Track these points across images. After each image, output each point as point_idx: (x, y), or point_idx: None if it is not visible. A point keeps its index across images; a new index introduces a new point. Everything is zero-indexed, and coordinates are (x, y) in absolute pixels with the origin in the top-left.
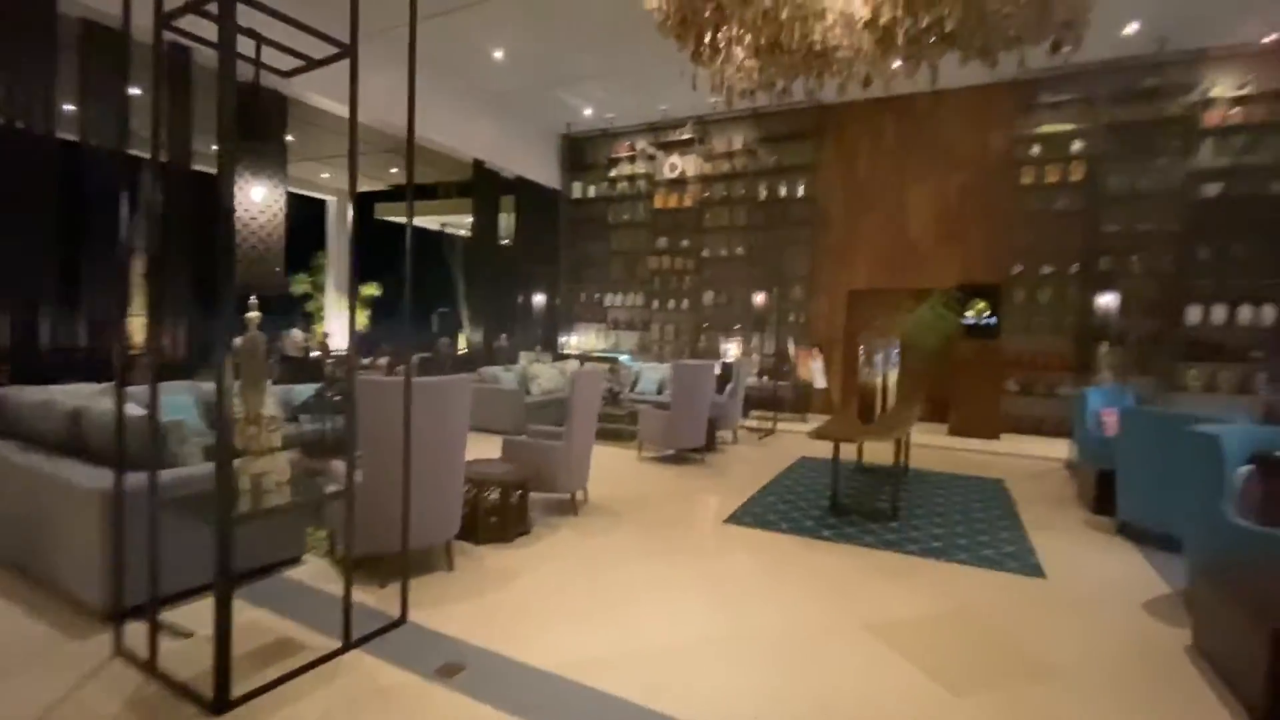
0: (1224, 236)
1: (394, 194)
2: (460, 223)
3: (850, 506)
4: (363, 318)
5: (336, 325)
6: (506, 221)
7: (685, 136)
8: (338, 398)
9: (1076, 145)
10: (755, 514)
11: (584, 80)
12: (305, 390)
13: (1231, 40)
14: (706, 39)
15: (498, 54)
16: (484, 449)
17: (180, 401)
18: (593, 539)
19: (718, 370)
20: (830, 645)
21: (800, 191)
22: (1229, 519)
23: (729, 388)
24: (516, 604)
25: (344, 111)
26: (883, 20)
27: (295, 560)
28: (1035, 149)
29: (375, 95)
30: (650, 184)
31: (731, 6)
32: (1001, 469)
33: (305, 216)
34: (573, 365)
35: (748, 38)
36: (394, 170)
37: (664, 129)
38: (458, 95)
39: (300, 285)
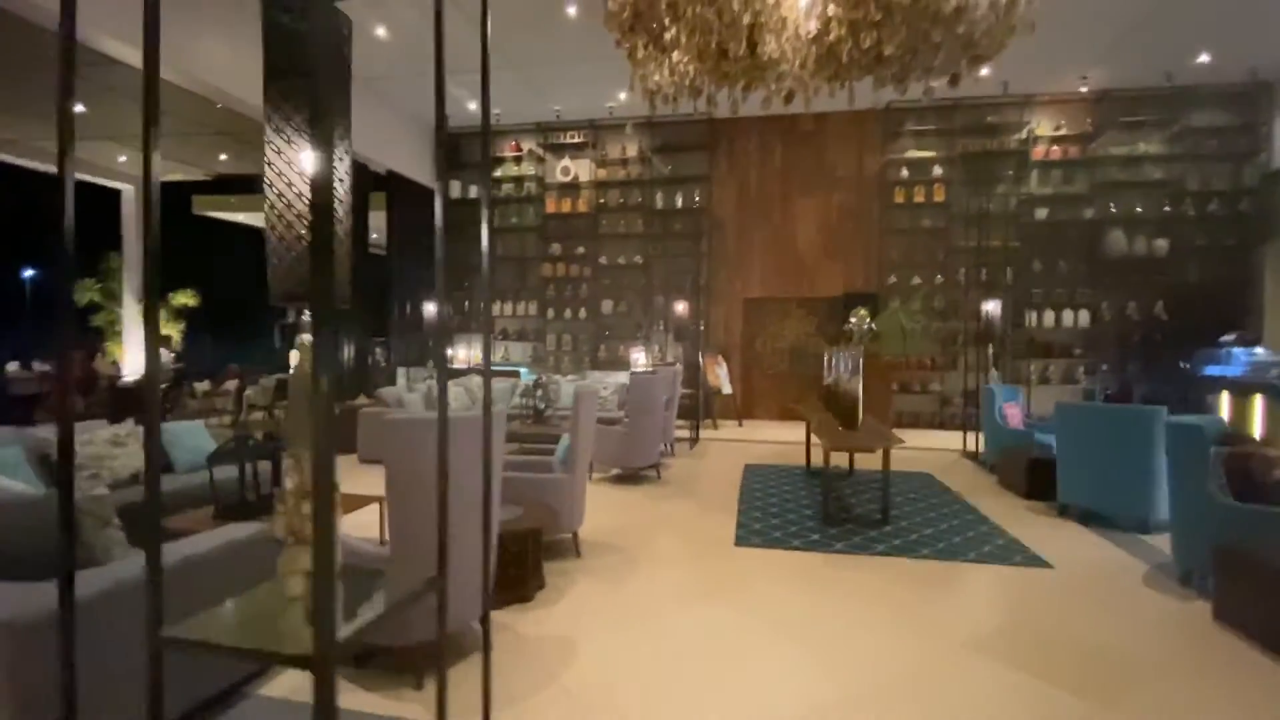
0: (1050, 253)
1: (219, 184)
2: None
3: (837, 514)
4: (174, 331)
5: (136, 343)
6: (375, 221)
7: (577, 140)
8: (257, 442)
9: (938, 170)
10: (757, 533)
11: (473, 71)
12: (188, 429)
13: (1055, 88)
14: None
15: (380, 30)
16: None
17: (6, 457)
18: (619, 587)
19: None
20: (954, 677)
21: (696, 201)
22: (1218, 500)
23: (664, 399)
24: (598, 691)
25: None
26: (830, 38)
27: (261, 670)
28: (904, 172)
29: (210, 58)
30: (540, 187)
31: (691, 7)
32: (915, 463)
33: (92, 209)
34: (476, 381)
35: (694, 41)
36: (224, 157)
37: (554, 130)
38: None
39: (86, 293)
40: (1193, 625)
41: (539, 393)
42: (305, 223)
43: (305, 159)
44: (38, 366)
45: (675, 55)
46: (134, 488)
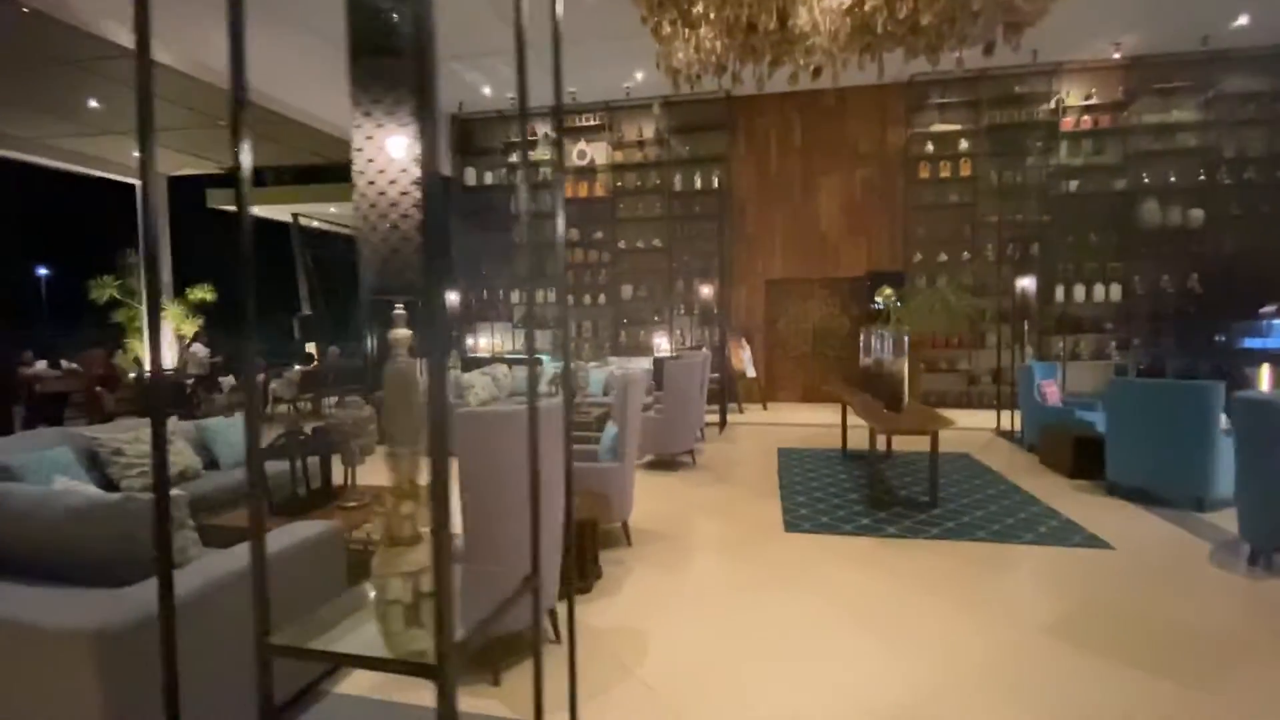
0: (1081, 226)
1: (232, 178)
2: (317, 212)
3: (884, 498)
4: (192, 329)
5: (160, 340)
6: None
7: (593, 123)
8: (308, 437)
9: (964, 144)
10: (805, 518)
11: (488, 55)
12: (229, 426)
13: (1085, 55)
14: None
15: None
16: None
17: (58, 458)
18: (676, 575)
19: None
20: (1036, 663)
21: (715, 183)
22: None
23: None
24: (678, 684)
25: (169, 60)
26: (865, 8)
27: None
28: (929, 146)
29: (221, 49)
30: (557, 171)
31: None
32: (951, 443)
33: (109, 205)
34: (501, 370)
35: (723, 15)
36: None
37: (568, 113)
38: (334, 62)
39: (105, 290)
40: (1269, 604)
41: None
42: (400, 211)
43: (395, 143)
44: (65, 365)
45: (703, 31)
46: (181, 486)
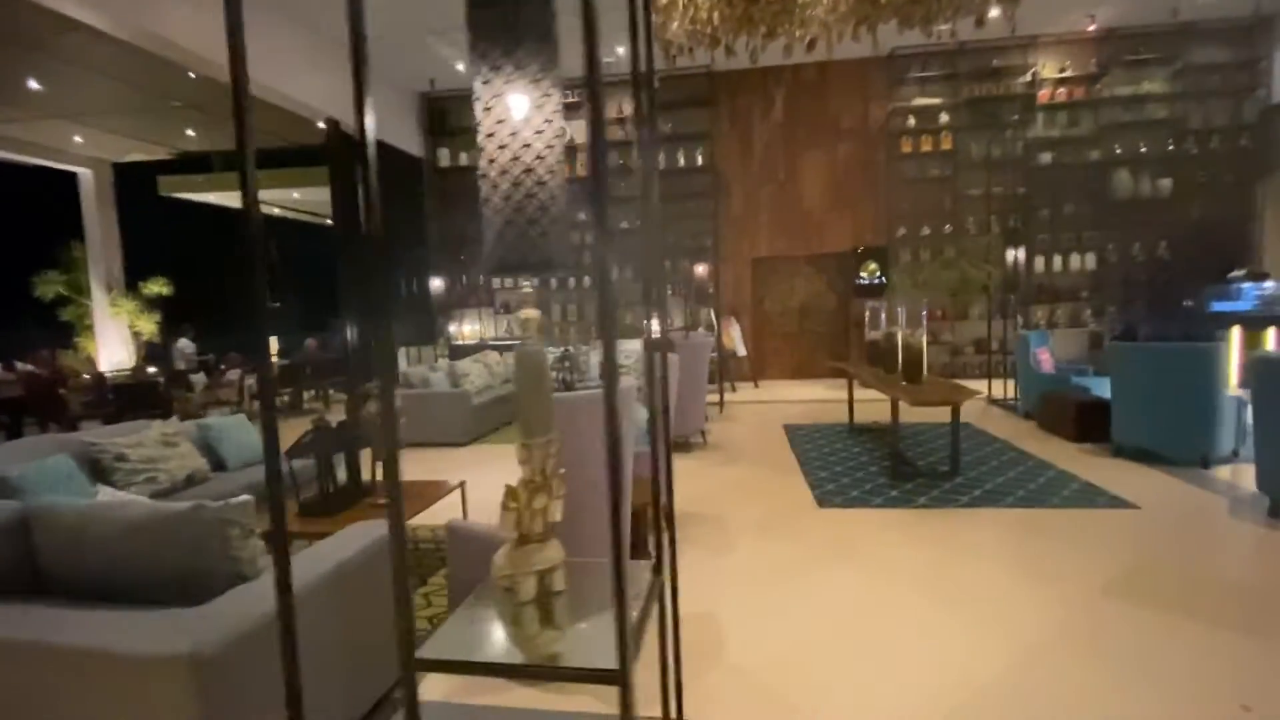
0: (1057, 197)
1: (184, 164)
2: (279, 199)
3: (906, 469)
4: (149, 325)
5: (112, 338)
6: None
7: (570, 100)
8: (334, 433)
9: (944, 117)
10: (834, 493)
11: (464, 28)
12: (234, 425)
13: (1061, 28)
14: None
15: None
16: (454, 464)
17: (58, 467)
18: (727, 556)
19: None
20: (1109, 625)
21: (699, 160)
22: None
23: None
24: (769, 670)
25: (105, 25)
26: None
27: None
28: (910, 120)
29: (174, 18)
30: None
31: None
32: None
33: (48, 195)
34: (492, 357)
35: None
36: (190, 133)
37: None
38: (303, 36)
39: (50, 286)
40: None
41: (566, 364)
42: (534, 179)
43: (518, 103)
44: (20, 366)
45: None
46: (190, 490)
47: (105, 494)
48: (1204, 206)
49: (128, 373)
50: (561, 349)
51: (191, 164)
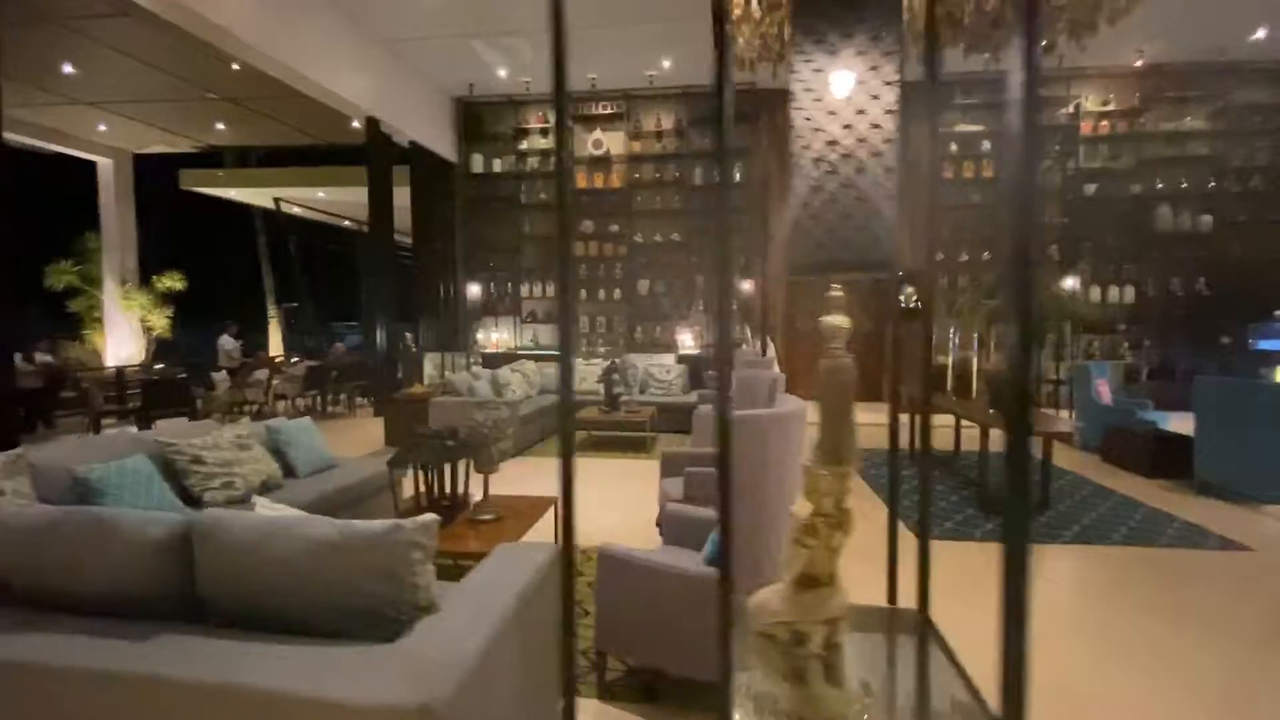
0: (1097, 229)
1: (206, 158)
2: (303, 197)
3: (992, 500)
4: (161, 320)
5: (124, 332)
6: (399, 198)
7: (609, 111)
8: (451, 441)
9: (986, 145)
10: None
11: (513, 34)
12: (300, 428)
13: (1107, 60)
14: None
15: None
16: (505, 478)
17: (137, 469)
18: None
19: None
20: None
21: (737, 176)
22: None
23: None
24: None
25: (164, 10)
26: None
27: None
28: (953, 146)
29: (229, 4)
30: (570, 161)
31: None
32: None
33: (64, 184)
34: (530, 367)
35: None
36: (220, 126)
37: (583, 101)
38: (347, 32)
39: (62, 277)
40: None
41: (614, 376)
42: (860, 170)
43: (840, 82)
44: (40, 358)
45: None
46: (264, 497)
47: (262, 506)
48: (1244, 245)
49: (137, 368)
50: (608, 361)
51: (215, 158)
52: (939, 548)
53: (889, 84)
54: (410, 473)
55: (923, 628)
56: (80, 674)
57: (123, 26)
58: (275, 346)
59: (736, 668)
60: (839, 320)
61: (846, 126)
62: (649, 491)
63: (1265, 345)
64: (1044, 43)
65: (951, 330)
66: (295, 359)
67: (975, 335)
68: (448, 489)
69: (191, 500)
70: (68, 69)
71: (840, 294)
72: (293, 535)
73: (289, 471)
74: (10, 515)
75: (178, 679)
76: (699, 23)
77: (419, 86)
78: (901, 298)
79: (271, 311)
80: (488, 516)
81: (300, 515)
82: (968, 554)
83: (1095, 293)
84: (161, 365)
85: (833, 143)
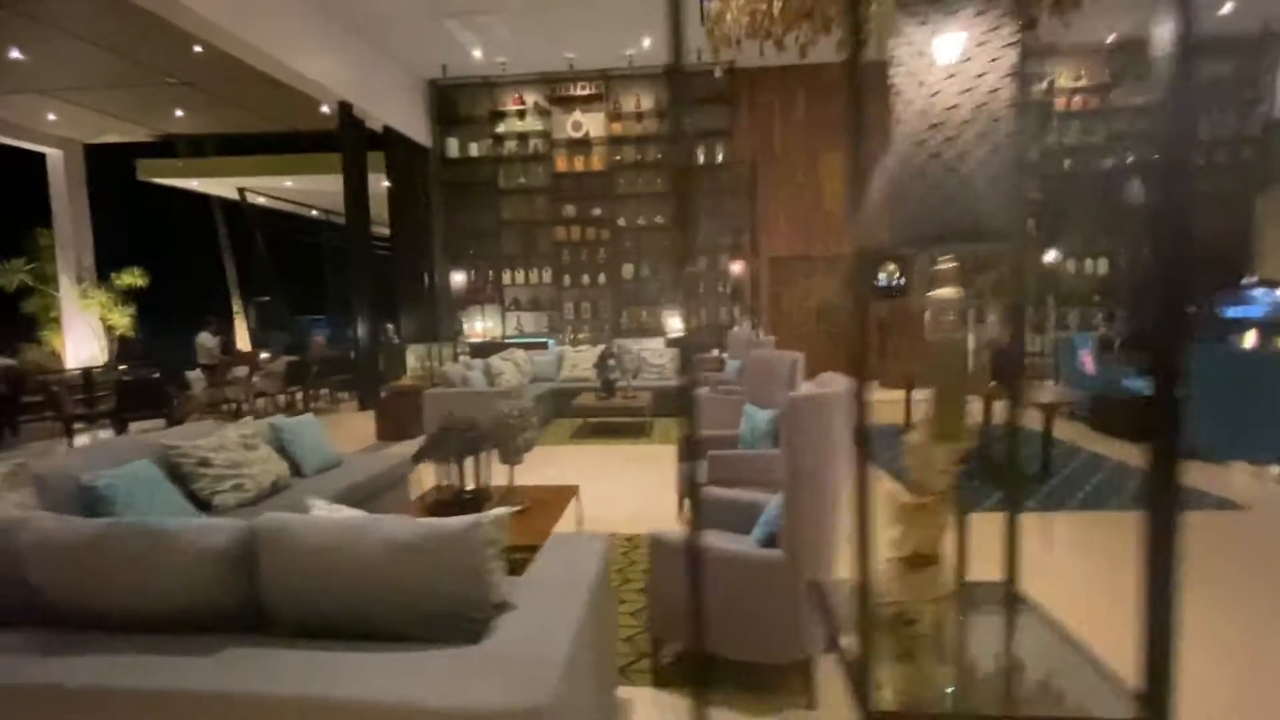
0: (1071, 203)
1: (165, 147)
2: (270, 187)
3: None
4: (122, 318)
5: (83, 333)
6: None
7: (588, 92)
8: (471, 432)
9: None
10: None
11: (484, 12)
12: (304, 425)
13: (1080, 38)
14: None
15: None
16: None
17: (142, 474)
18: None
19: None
20: None
21: (719, 158)
22: None
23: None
24: None
25: None
26: None
27: None
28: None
29: None
30: (548, 143)
31: None
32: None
33: (10, 178)
34: (519, 355)
35: None
36: (179, 113)
37: (561, 81)
38: (315, 11)
39: (13, 276)
40: None
41: (610, 362)
42: (974, 130)
43: (951, 41)
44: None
45: None
46: (276, 498)
47: (320, 507)
48: (1206, 217)
49: (100, 369)
50: (604, 346)
51: (174, 148)
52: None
53: (1009, 45)
54: (418, 467)
55: (1014, 600)
56: (144, 695)
57: (76, 8)
58: (242, 342)
59: (819, 649)
60: (950, 292)
61: (966, 90)
62: (657, 476)
63: (1233, 313)
64: (1025, 20)
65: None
66: (265, 354)
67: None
68: (468, 481)
69: (200, 505)
70: (14, 54)
71: (951, 266)
72: (367, 538)
73: (296, 470)
74: (53, 530)
75: (251, 694)
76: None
77: (391, 69)
78: (882, 275)
79: (236, 306)
80: (516, 508)
81: (367, 516)
82: (983, 523)
83: (1070, 265)
84: (124, 365)
85: (952, 107)
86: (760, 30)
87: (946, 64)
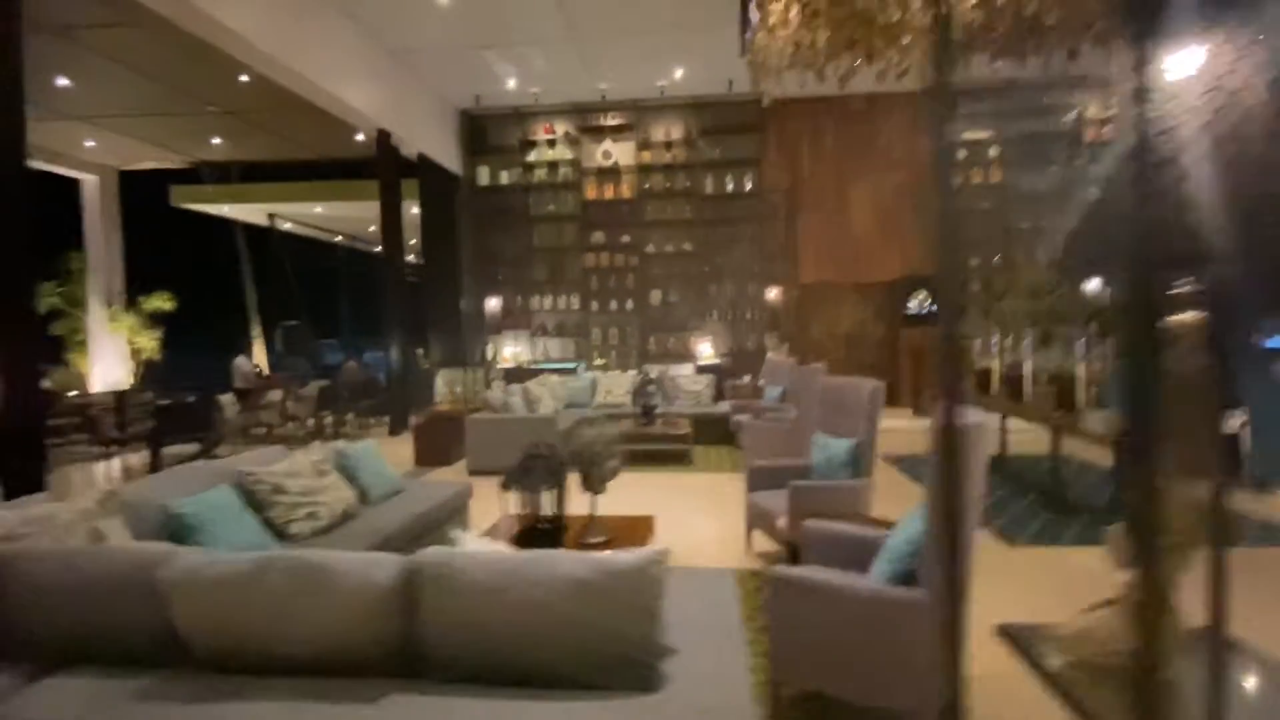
0: (1100, 232)
1: (196, 173)
2: (299, 213)
3: (1065, 502)
4: (150, 341)
5: (110, 355)
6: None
7: (617, 122)
8: (554, 460)
9: (993, 151)
10: (1012, 528)
11: (521, 44)
12: (366, 451)
13: (1102, 68)
14: None
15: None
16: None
17: (221, 501)
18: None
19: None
20: None
21: (747, 186)
22: None
23: (782, 391)
24: None
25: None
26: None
27: None
28: (961, 153)
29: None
30: (577, 172)
31: None
32: (1038, 444)
33: (45, 202)
34: (554, 380)
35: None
36: (216, 140)
37: (591, 111)
38: (359, 42)
39: (45, 299)
40: None
41: (649, 388)
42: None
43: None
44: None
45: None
46: (346, 527)
47: (468, 541)
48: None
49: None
50: (643, 372)
51: (206, 173)
52: (1031, 555)
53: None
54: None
55: (1225, 648)
56: None
57: (127, 36)
58: (262, 366)
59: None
60: (1190, 317)
61: (1195, 107)
62: (710, 504)
63: (1274, 344)
64: (1068, 49)
65: (994, 333)
66: (279, 376)
67: (1025, 337)
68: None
69: (276, 533)
70: (62, 82)
71: (1190, 289)
72: (538, 575)
73: (362, 497)
74: (199, 565)
75: None
76: (710, 34)
77: (427, 98)
78: (912, 303)
79: (255, 330)
80: (599, 539)
81: (533, 552)
82: (1073, 559)
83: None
84: (148, 389)
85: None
86: (803, 61)
87: (1176, 81)
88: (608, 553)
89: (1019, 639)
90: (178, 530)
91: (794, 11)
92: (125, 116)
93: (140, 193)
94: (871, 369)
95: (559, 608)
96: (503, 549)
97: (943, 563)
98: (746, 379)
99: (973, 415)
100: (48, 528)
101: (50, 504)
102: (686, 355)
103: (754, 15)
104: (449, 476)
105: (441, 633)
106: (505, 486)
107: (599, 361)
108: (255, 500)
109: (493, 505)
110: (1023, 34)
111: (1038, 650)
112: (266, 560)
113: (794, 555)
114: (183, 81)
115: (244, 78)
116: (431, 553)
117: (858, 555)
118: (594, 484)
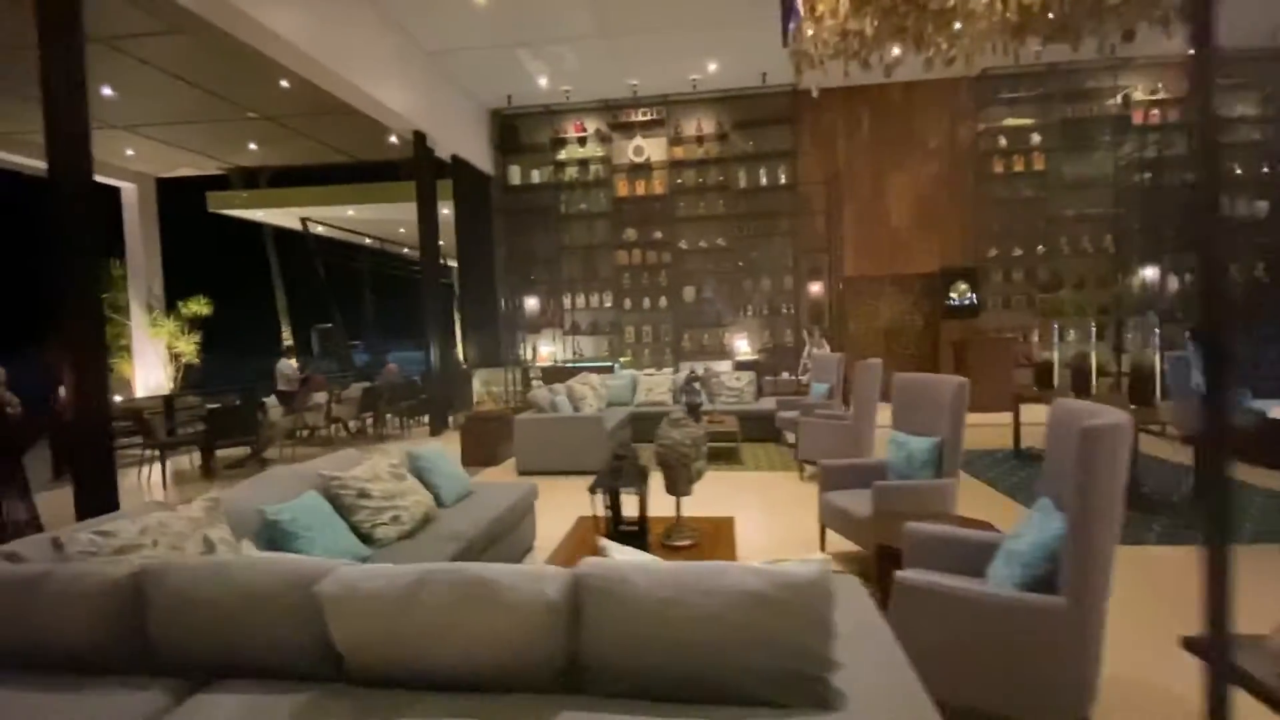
0: (1151, 217)
1: (233, 179)
2: (332, 216)
3: (1148, 498)
4: (189, 345)
5: (151, 360)
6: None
7: (648, 118)
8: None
9: (1035, 138)
10: None
11: (554, 41)
12: (439, 455)
13: (1151, 50)
14: None
15: None
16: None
17: (312, 506)
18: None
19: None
20: None
21: (781, 179)
22: None
23: (829, 387)
24: None
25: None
26: None
27: None
28: (1001, 141)
29: (295, 14)
30: (609, 169)
31: None
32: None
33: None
34: (595, 379)
35: None
36: (253, 146)
37: (621, 108)
38: (396, 44)
39: None
40: None
41: (694, 385)
42: None
43: None
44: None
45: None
46: (427, 531)
47: (615, 550)
48: None
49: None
50: (688, 370)
51: (241, 180)
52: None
53: None
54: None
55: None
56: None
57: (172, 45)
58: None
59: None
60: None
61: None
62: (771, 502)
63: None
64: (1124, 30)
65: (1055, 326)
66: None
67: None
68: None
69: (361, 537)
70: (106, 91)
71: None
72: (708, 586)
73: (438, 500)
74: (358, 578)
75: None
76: (744, 28)
77: (460, 100)
78: (953, 295)
79: (286, 333)
80: (685, 542)
81: (702, 563)
82: (1162, 558)
83: (1173, 281)
84: (187, 393)
85: None
86: (849, 50)
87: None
88: (774, 563)
89: (1211, 651)
90: (275, 536)
91: (843, 1)
92: (166, 124)
93: (177, 200)
94: (913, 361)
95: (731, 620)
96: (650, 559)
97: (1088, 572)
98: (785, 375)
99: (1108, 414)
100: (163, 537)
101: (161, 512)
102: (721, 352)
103: (799, 6)
104: (498, 476)
105: (605, 646)
106: (593, 489)
107: (624, 359)
108: (340, 505)
109: (546, 505)
110: (1084, 15)
111: (1247, 664)
112: (427, 573)
113: (884, 558)
114: (224, 88)
115: (284, 83)
116: (594, 564)
117: (967, 559)
118: (680, 485)
